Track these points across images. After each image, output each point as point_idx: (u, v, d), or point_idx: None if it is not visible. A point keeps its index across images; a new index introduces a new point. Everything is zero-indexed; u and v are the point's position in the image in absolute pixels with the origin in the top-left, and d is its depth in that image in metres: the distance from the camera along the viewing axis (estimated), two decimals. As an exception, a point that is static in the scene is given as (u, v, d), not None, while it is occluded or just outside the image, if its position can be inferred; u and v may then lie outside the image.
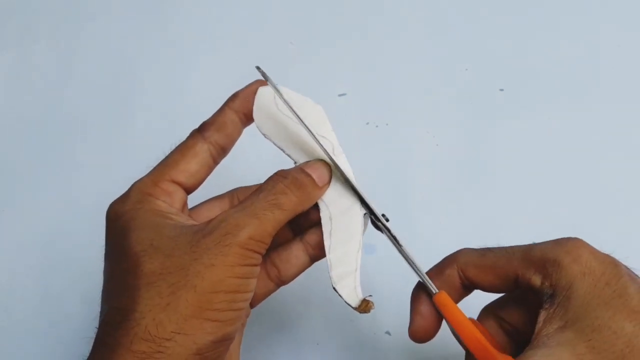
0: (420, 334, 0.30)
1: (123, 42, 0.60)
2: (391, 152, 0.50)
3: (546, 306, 0.26)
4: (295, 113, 0.31)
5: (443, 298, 0.28)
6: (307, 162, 0.31)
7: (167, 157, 0.30)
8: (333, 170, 0.32)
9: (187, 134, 0.31)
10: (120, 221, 0.28)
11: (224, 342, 0.26)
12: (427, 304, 0.30)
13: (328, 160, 0.31)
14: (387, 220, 0.31)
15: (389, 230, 0.31)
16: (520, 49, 0.54)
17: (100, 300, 0.28)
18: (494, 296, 0.31)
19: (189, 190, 0.31)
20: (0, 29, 0.62)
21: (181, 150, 0.30)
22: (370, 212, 0.31)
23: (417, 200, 0.47)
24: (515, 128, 0.50)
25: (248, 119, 0.32)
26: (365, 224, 0.32)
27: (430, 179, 0.48)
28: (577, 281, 0.26)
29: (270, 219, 0.27)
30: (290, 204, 0.28)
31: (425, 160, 0.49)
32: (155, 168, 0.30)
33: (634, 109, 0.50)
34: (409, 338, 0.30)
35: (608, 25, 0.54)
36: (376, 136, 0.51)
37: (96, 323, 0.27)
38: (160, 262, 0.26)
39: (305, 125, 0.31)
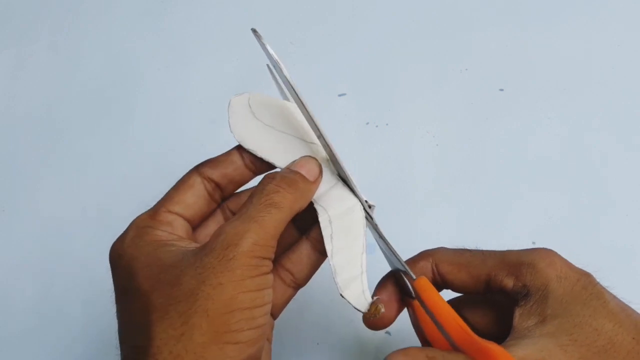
0: (372, 322, 0.30)
1: (123, 42, 0.60)
2: (391, 152, 0.50)
3: (522, 303, 0.27)
4: (292, 87, 0.28)
5: (424, 283, 0.28)
6: (293, 162, 0.30)
7: (164, 195, 0.30)
8: (329, 171, 0.31)
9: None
10: (122, 261, 0.27)
11: None
12: (389, 293, 0.30)
13: (321, 154, 0.31)
14: (370, 206, 0.31)
15: (370, 217, 0.30)
16: (520, 49, 0.54)
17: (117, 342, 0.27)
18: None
19: (190, 221, 0.30)
20: (0, 29, 0.62)
21: (176, 184, 0.30)
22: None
23: (417, 200, 0.47)
24: (514, 128, 0.50)
25: (256, 166, 0.31)
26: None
27: (430, 179, 0.48)
28: (553, 282, 0.26)
29: (269, 220, 0.26)
30: (286, 201, 0.27)
31: (425, 160, 0.49)
32: (152, 206, 0.30)
33: (635, 109, 0.50)
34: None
35: (608, 25, 0.54)
36: (376, 136, 0.51)
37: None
38: (168, 293, 0.24)
39: (304, 104, 0.29)
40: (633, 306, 0.27)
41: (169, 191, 0.30)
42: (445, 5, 0.57)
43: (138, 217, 0.29)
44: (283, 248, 0.31)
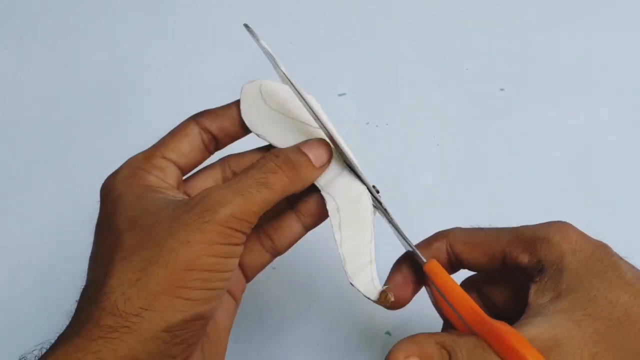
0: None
1: (122, 42, 0.60)
2: (391, 152, 0.50)
3: (537, 279, 0.26)
4: (292, 83, 0.29)
5: (434, 266, 0.28)
6: (306, 140, 0.30)
7: (161, 139, 0.30)
8: (337, 158, 0.31)
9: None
10: (110, 197, 0.27)
11: (197, 322, 0.25)
12: (404, 275, 0.30)
13: (328, 140, 0.30)
14: (378, 192, 0.30)
15: (379, 202, 0.30)
16: (520, 49, 0.54)
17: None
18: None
19: (183, 169, 0.30)
20: (0, 29, 0.62)
21: (173, 131, 0.30)
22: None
23: (417, 200, 0.47)
24: (515, 128, 0.50)
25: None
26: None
27: (430, 179, 0.48)
28: (567, 256, 0.26)
29: (256, 197, 0.26)
30: (280, 183, 0.27)
31: (425, 160, 0.49)
32: (149, 148, 0.30)
33: (634, 109, 0.50)
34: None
35: (608, 25, 0.54)
36: (376, 136, 0.51)
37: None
38: (139, 238, 0.25)
39: (302, 95, 0.29)
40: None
41: (166, 136, 0.30)
42: (446, 5, 0.57)
43: (133, 157, 0.29)
44: (268, 216, 0.31)
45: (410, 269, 0.30)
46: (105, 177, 0.29)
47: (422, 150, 0.50)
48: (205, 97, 0.55)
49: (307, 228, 0.32)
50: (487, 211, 0.46)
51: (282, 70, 0.29)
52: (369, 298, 0.29)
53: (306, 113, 0.31)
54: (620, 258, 0.26)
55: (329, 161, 0.30)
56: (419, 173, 0.48)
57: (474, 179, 0.48)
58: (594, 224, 0.44)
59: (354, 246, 0.29)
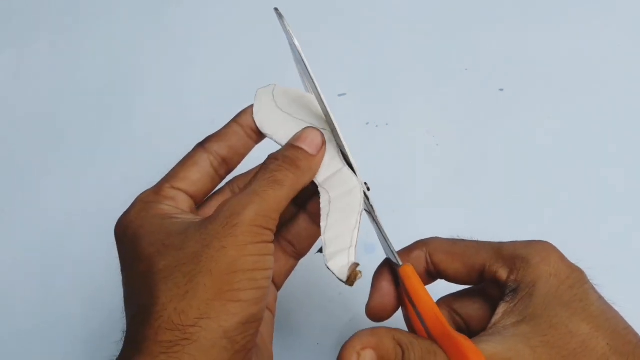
0: (376, 311, 0.30)
1: (123, 42, 0.60)
2: (391, 152, 0.50)
3: (507, 299, 0.27)
4: (304, 61, 0.30)
5: (409, 270, 0.28)
6: (295, 134, 0.31)
7: (170, 170, 0.31)
8: (340, 157, 0.31)
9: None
10: (127, 231, 0.28)
11: (251, 324, 0.26)
12: (388, 281, 0.30)
13: (332, 141, 0.31)
14: (369, 189, 0.31)
15: (367, 199, 0.30)
16: (520, 49, 0.54)
17: (123, 310, 0.28)
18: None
19: (194, 198, 0.31)
20: (0, 28, 0.62)
21: (182, 161, 0.31)
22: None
23: (417, 199, 0.47)
24: (514, 128, 0.50)
25: (257, 133, 0.32)
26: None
27: (430, 178, 0.48)
28: (542, 280, 0.26)
29: (271, 194, 0.27)
30: (288, 180, 0.28)
31: (425, 160, 0.49)
32: (158, 182, 0.31)
33: (635, 109, 0.50)
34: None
35: (608, 25, 0.54)
36: (376, 136, 0.51)
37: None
38: (173, 257, 0.26)
39: (316, 86, 0.30)
40: (623, 306, 0.26)
41: (175, 167, 0.31)
42: (445, 5, 0.57)
43: (142, 193, 0.30)
44: (282, 222, 0.32)
45: (393, 277, 0.30)
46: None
47: (422, 150, 0.50)
48: (206, 96, 0.55)
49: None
50: (487, 211, 0.46)
51: (301, 56, 0.30)
52: (340, 279, 0.28)
53: (311, 115, 0.32)
54: (592, 287, 0.26)
55: (323, 144, 0.31)
56: (419, 173, 0.49)
57: (474, 178, 0.48)
58: (593, 223, 0.45)
59: (337, 233, 0.29)
